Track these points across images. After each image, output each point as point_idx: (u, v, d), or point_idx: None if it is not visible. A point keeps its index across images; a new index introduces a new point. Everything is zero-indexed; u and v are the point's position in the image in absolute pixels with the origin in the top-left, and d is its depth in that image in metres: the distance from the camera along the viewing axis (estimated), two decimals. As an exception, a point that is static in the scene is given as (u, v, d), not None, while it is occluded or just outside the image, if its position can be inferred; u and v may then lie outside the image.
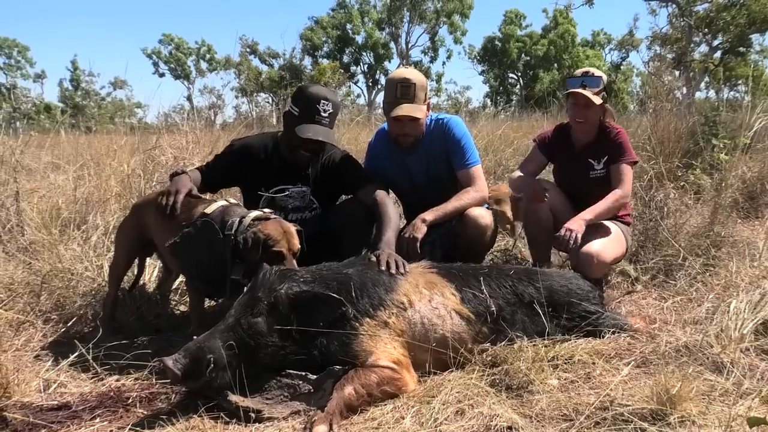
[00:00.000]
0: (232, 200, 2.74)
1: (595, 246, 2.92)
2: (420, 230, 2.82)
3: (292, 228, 2.47)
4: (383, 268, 2.33)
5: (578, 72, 3.22)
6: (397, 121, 2.98)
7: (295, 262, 2.43)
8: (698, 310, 2.73)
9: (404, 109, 2.93)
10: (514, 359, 2.16)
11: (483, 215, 2.97)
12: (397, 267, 2.36)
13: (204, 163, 3.06)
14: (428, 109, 3.09)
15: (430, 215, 2.89)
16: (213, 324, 2.12)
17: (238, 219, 2.42)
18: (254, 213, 2.48)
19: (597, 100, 3.06)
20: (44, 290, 3.03)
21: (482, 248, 3.12)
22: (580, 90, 3.06)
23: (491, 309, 2.35)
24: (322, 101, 2.75)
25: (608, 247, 2.98)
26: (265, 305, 2.07)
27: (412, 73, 3.02)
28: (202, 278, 2.52)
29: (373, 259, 2.40)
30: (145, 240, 2.84)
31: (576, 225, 2.89)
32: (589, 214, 2.97)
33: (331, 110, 2.79)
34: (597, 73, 3.16)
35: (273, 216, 2.52)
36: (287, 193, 2.92)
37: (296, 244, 2.44)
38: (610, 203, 3.03)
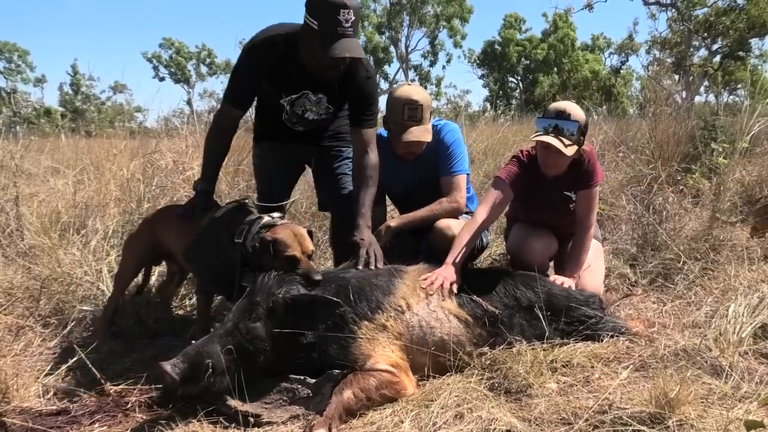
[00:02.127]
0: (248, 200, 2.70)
1: (589, 286, 2.81)
2: (383, 238, 2.81)
3: (303, 230, 2.42)
4: (361, 267, 2.40)
5: (552, 108, 2.76)
6: (405, 142, 2.95)
7: (312, 263, 2.36)
8: (697, 313, 2.73)
9: (414, 134, 2.91)
10: (513, 363, 2.16)
11: (450, 226, 2.89)
12: (376, 260, 2.44)
13: (228, 87, 2.78)
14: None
15: (395, 222, 2.91)
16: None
17: (247, 226, 2.39)
18: (263, 220, 2.44)
19: (570, 151, 2.68)
20: (43, 295, 3.03)
21: None
22: (551, 141, 2.65)
23: (489, 312, 2.36)
24: (342, 10, 2.48)
25: (596, 275, 2.93)
26: (264, 310, 2.07)
27: (418, 93, 2.96)
28: (214, 282, 2.53)
29: (362, 257, 2.45)
30: (159, 252, 2.85)
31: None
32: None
33: (353, 18, 2.52)
34: (574, 114, 2.69)
35: (281, 222, 2.47)
36: (306, 99, 2.76)
37: (309, 246, 2.38)
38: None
